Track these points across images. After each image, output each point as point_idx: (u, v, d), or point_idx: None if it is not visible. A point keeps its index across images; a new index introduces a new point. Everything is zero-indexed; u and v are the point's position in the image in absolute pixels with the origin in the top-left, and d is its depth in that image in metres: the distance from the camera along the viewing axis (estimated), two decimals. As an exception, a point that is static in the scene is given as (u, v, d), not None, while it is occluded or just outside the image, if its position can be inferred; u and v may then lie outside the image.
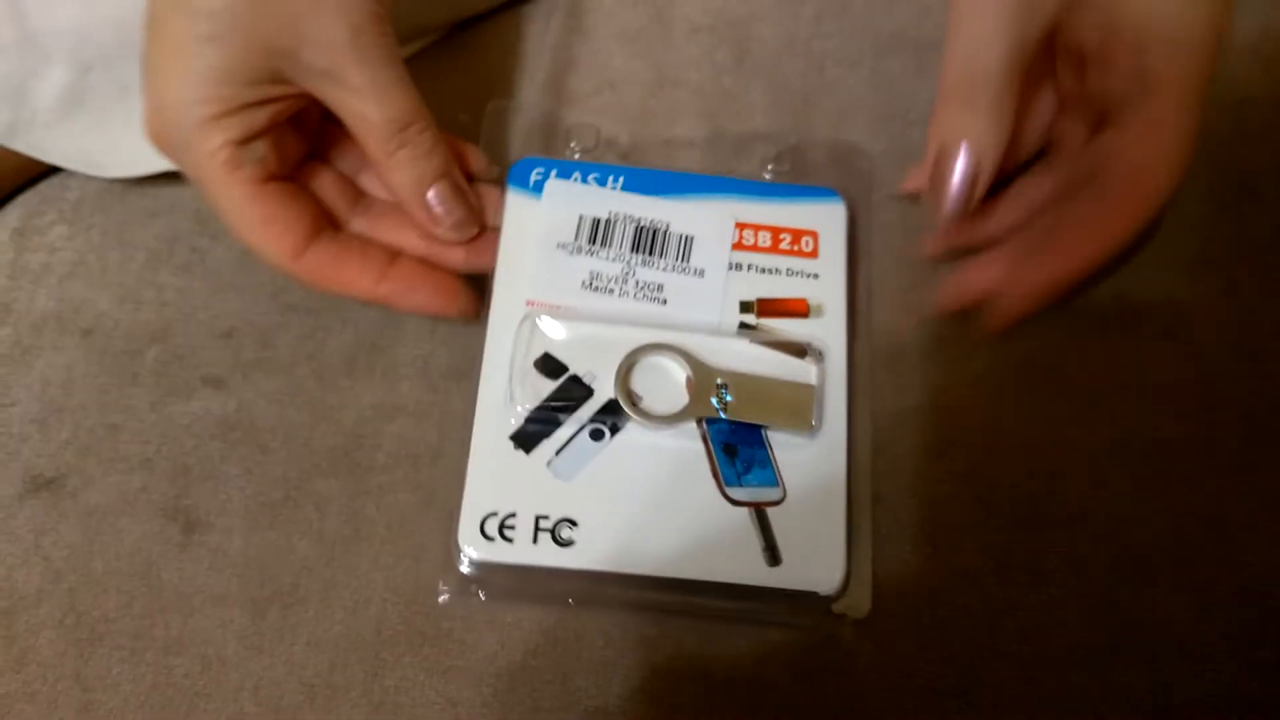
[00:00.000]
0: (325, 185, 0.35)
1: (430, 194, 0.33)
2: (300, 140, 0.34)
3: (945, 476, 0.34)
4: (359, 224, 0.35)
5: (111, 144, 0.39)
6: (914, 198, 0.37)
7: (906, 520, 0.33)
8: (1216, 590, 0.32)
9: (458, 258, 0.35)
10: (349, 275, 0.33)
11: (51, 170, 0.41)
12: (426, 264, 0.34)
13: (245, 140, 0.31)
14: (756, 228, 0.36)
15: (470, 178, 0.35)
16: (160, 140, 0.32)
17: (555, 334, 0.33)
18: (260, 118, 0.31)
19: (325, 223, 0.34)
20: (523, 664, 0.32)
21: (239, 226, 0.32)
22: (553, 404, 0.33)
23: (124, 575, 0.33)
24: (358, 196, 0.36)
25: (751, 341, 0.33)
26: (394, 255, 0.34)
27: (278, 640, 0.32)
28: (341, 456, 0.35)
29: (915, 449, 0.34)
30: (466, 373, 0.34)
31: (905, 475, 0.34)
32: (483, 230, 0.35)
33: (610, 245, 0.35)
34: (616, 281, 0.35)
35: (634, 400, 0.33)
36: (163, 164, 0.38)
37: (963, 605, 0.32)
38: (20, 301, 0.38)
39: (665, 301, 0.34)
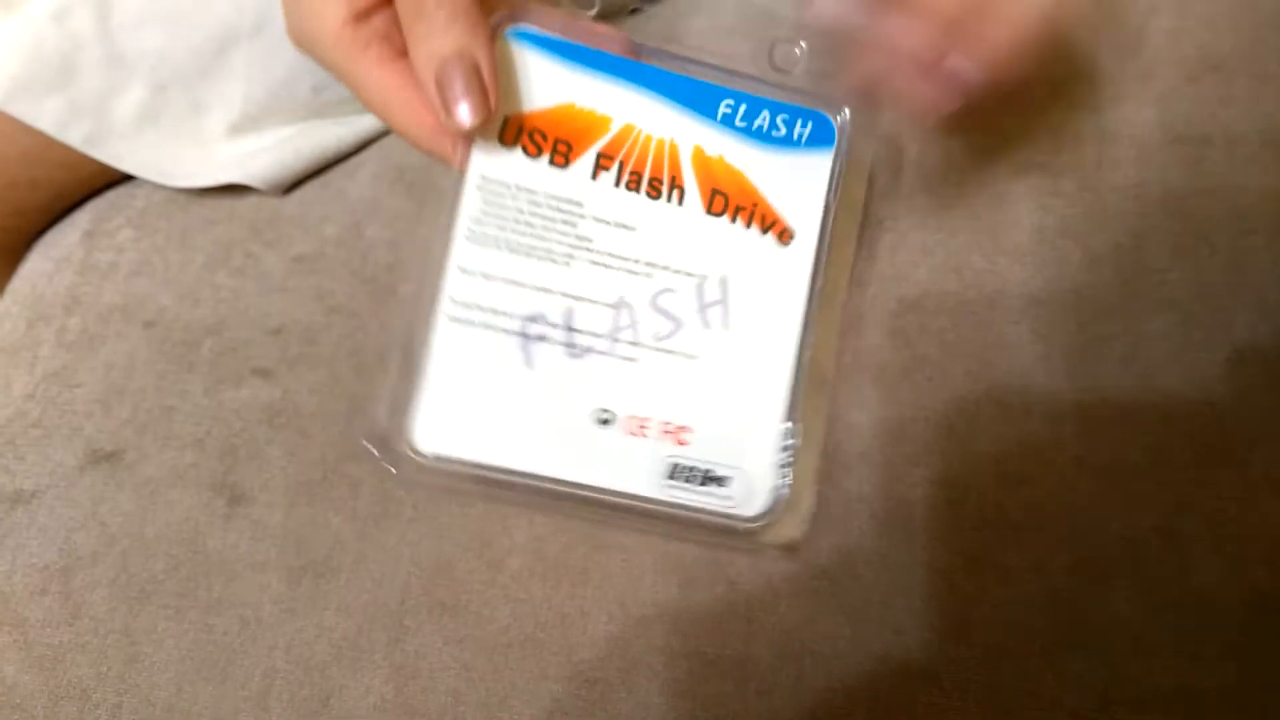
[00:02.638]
0: None
1: (440, 76, 0.29)
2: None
3: (920, 481, 0.37)
4: None
5: (181, 157, 0.43)
6: None
7: (883, 518, 0.37)
8: (1166, 592, 0.35)
9: None
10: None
11: (121, 179, 0.45)
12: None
13: (360, 17, 0.30)
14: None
15: None
16: (299, 39, 0.32)
17: None
18: None
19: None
20: (532, 636, 0.35)
21: (384, 107, 0.31)
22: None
23: (172, 541, 0.37)
24: None
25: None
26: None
27: (310, 605, 0.36)
28: (376, 444, 0.38)
29: (893, 456, 0.37)
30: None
31: (880, 478, 0.37)
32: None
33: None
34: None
35: None
36: (225, 176, 0.43)
37: (931, 595, 0.35)
38: (89, 295, 0.42)
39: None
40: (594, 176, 0.33)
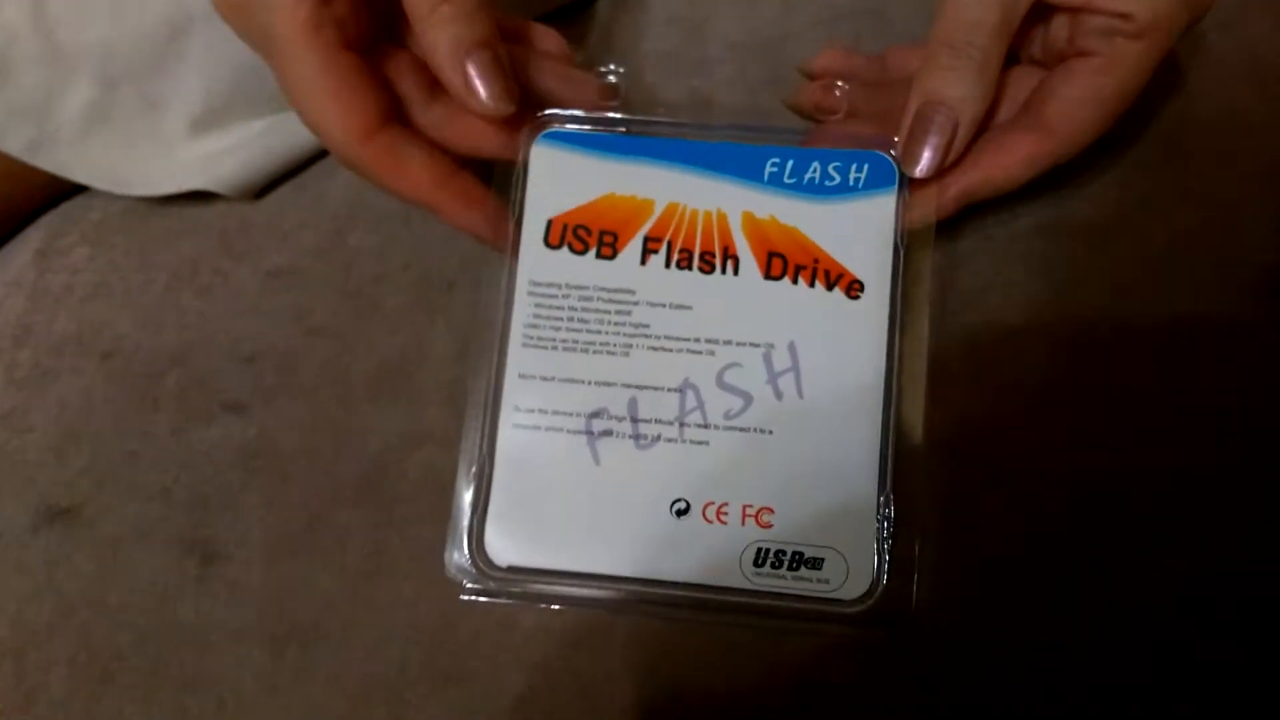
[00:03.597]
0: (399, 69, 0.32)
1: (469, 61, 0.29)
2: (371, 15, 0.31)
3: (993, 509, 0.32)
4: (432, 114, 0.32)
5: (138, 161, 0.38)
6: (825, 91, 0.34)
7: (952, 551, 0.31)
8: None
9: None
10: (412, 171, 0.31)
11: (75, 190, 0.40)
12: (486, 189, 0.32)
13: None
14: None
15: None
16: (237, 5, 0.30)
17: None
18: None
19: (395, 112, 0.31)
20: (551, 709, 0.30)
21: (309, 97, 0.30)
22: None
23: (139, 610, 0.32)
24: (432, 87, 0.33)
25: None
26: (459, 168, 0.32)
27: (296, 680, 0.31)
28: (365, 485, 0.33)
29: (958, 478, 0.32)
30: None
31: (946, 505, 0.32)
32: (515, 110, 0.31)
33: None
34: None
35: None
36: (188, 181, 0.38)
37: (1013, 642, 0.30)
38: (40, 324, 0.37)
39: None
40: (643, 262, 0.32)
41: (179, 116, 0.38)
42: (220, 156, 0.38)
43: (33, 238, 0.40)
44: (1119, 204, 0.35)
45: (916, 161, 0.31)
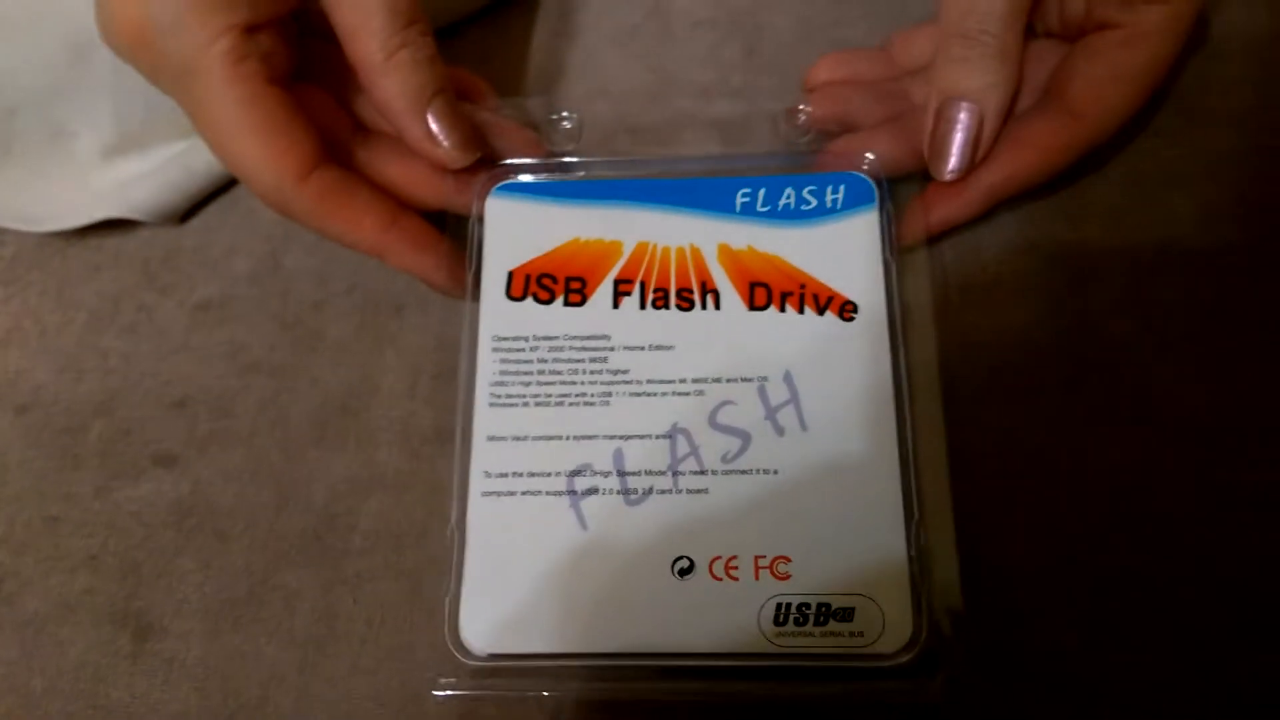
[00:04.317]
0: (321, 107, 0.30)
1: (430, 110, 0.28)
2: (290, 51, 0.29)
3: (1023, 530, 0.28)
4: (363, 156, 0.30)
5: (46, 194, 0.35)
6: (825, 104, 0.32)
7: (980, 585, 0.28)
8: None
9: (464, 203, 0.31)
10: (354, 214, 0.29)
11: (-16, 224, 0.36)
12: (436, 231, 0.30)
13: (253, 28, 0.26)
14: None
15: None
16: (136, 30, 0.27)
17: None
18: (265, 3, 0.27)
19: (327, 151, 0.29)
20: (532, 784, 0.27)
21: (234, 138, 0.27)
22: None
23: (67, 695, 0.29)
24: (355, 126, 0.31)
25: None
26: (403, 209, 0.30)
27: (245, 767, 0.28)
28: (312, 541, 0.30)
29: (983, 497, 0.29)
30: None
31: (971, 529, 0.28)
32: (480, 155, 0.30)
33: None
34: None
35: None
36: (103, 211, 0.34)
37: (1045, 678, 0.27)
38: (-51, 376, 0.34)
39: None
40: (615, 305, 0.30)
41: (90, 144, 0.34)
42: (136, 181, 0.34)
43: (-59, 279, 0.36)
44: (1137, 179, 0.31)
45: (945, 162, 0.29)
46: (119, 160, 0.35)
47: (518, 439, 0.28)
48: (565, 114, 0.32)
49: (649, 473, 0.27)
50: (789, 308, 0.29)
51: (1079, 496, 0.28)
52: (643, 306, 0.29)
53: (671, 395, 0.28)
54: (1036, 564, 0.28)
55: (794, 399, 0.28)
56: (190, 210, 0.35)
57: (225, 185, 0.36)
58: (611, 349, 0.29)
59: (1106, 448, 0.29)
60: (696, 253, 0.30)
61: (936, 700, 0.25)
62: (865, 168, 0.30)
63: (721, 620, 0.26)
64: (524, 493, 0.28)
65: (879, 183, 0.30)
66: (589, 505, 0.27)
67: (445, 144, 0.28)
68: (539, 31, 0.38)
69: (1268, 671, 0.26)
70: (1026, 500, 0.28)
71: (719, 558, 0.26)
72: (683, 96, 0.36)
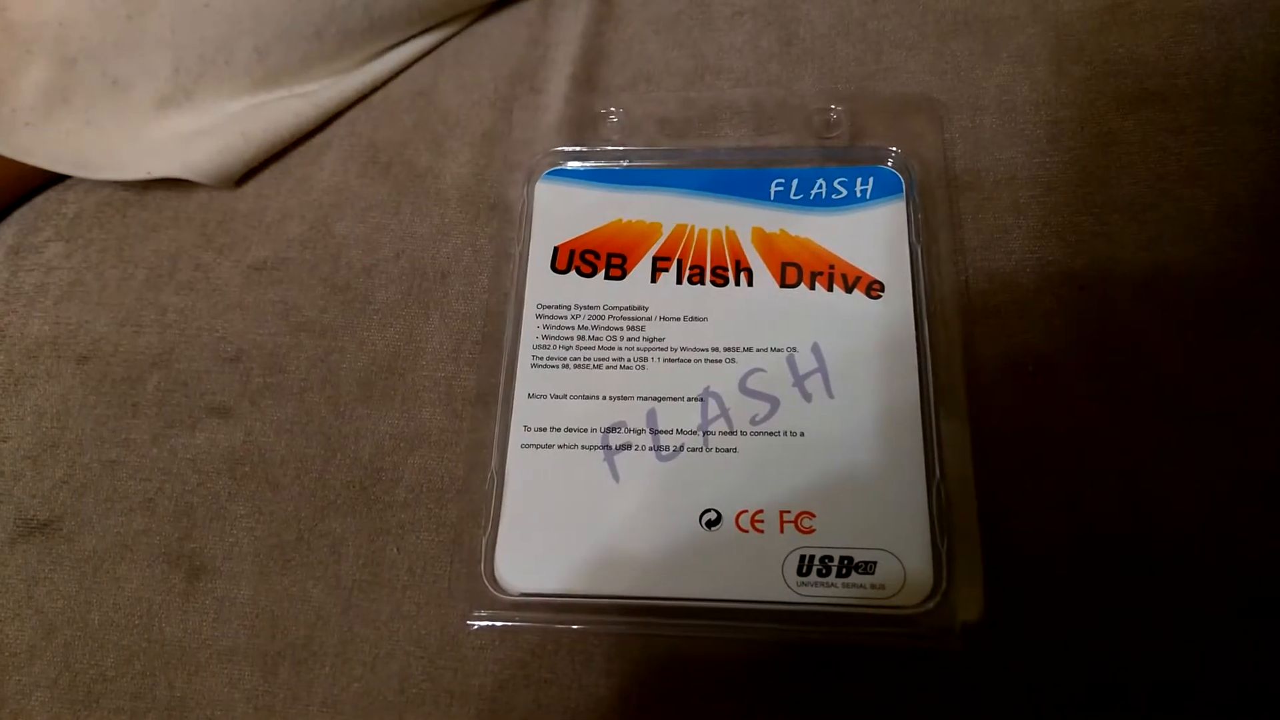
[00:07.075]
0: None
1: None
2: None
3: (1039, 508, 0.30)
4: None
5: (102, 144, 0.36)
6: None
7: (996, 558, 0.29)
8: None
9: None
10: None
11: (51, 181, 0.38)
12: None
13: None
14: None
15: None
16: None
17: None
18: None
19: None
20: (562, 725, 0.29)
21: None
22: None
23: (123, 629, 0.30)
24: None
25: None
26: None
27: (291, 700, 0.29)
28: (359, 492, 0.31)
29: (1000, 474, 0.30)
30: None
31: (990, 506, 0.30)
32: None
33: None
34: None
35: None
36: (160, 168, 0.36)
37: (1055, 648, 0.28)
38: (13, 326, 0.35)
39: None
40: (654, 280, 0.32)
41: (145, 95, 0.36)
42: (194, 141, 0.36)
43: (4, 235, 0.37)
44: (1161, 174, 0.33)
45: None
46: (173, 113, 0.36)
47: (556, 397, 0.30)
48: (613, 109, 0.35)
49: (680, 431, 0.29)
50: (819, 285, 0.31)
51: (1096, 476, 0.30)
52: (679, 281, 0.31)
53: (704, 362, 0.30)
54: (1054, 534, 0.29)
55: (821, 368, 0.29)
56: (245, 174, 0.37)
57: (280, 152, 0.37)
58: (649, 319, 0.31)
59: (1124, 431, 0.30)
60: (731, 234, 0.32)
61: (957, 649, 0.27)
62: (892, 162, 0.32)
63: (746, 570, 0.27)
64: (561, 446, 0.29)
65: (907, 175, 0.32)
66: (622, 460, 0.29)
67: None
68: (583, 16, 0.39)
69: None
70: (1045, 477, 0.30)
71: (745, 511, 0.28)
72: (721, 84, 0.37)
